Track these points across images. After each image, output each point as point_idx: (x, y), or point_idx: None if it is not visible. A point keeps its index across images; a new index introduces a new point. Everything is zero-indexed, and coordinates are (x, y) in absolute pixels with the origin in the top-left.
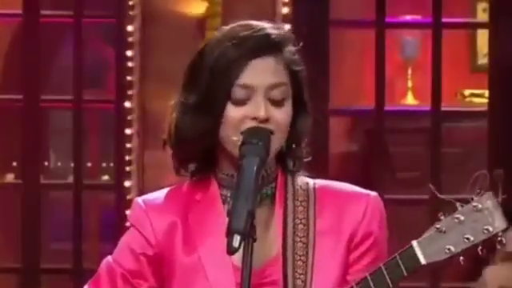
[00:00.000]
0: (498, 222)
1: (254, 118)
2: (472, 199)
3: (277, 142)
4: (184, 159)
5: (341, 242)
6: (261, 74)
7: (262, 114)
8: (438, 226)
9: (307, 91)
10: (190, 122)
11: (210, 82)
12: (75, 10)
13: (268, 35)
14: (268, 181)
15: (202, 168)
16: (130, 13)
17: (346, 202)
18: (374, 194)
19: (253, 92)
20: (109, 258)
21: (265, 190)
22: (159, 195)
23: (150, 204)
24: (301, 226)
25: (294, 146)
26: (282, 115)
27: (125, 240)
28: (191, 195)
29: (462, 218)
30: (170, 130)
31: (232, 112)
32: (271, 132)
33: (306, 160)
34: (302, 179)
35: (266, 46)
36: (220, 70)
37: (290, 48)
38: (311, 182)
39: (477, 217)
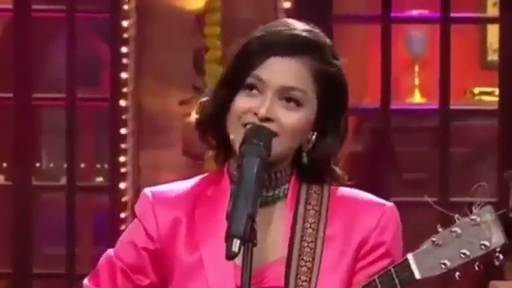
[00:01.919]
0: (496, 237)
1: (256, 114)
2: (470, 212)
3: (280, 146)
4: (204, 139)
5: (349, 248)
6: (277, 72)
7: (262, 111)
8: (434, 239)
9: (344, 109)
10: (209, 100)
11: (232, 67)
12: (68, 5)
13: (295, 36)
14: (280, 182)
15: (219, 156)
16: (125, 7)
17: (359, 210)
18: (390, 204)
19: (264, 87)
20: (110, 251)
21: (277, 191)
22: (170, 188)
23: (158, 196)
24: (310, 231)
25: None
26: (289, 120)
27: (127, 233)
28: (203, 190)
29: (459, 231)
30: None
31: (240, 101)
32: (275, 134)
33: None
34: (318, 185)
35: (290, 46)
36: (241, 58)
37: (325, 55)
38: (326, 186)
39: (474, 231)
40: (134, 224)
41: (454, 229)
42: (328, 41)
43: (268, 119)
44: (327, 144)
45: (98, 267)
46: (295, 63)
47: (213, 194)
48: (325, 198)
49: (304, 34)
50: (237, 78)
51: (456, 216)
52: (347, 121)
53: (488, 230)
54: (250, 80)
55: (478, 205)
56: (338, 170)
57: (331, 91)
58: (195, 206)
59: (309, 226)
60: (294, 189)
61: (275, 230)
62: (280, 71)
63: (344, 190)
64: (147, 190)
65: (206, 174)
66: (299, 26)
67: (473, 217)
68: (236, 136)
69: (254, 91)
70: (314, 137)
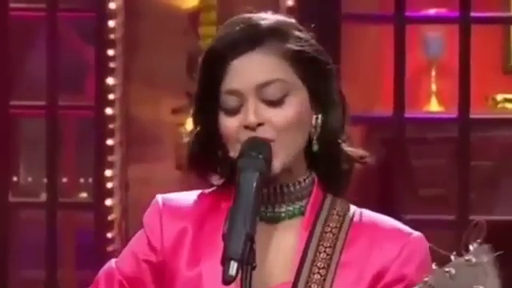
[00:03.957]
0: (492, 283)
1: (247, 127)
2: (466, 251)
3: (283, 150)
4: (204, 176)
5: (365, 277)
6: (245, 74)
7: (250, 120)
8: (426, 279)
9: (332, 80)
10: (193, 138)
11: (199, 91)
12: (49, 3)
13: (251, 28)
14: (296, 196)
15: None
16: (112, 6)
17: (381, 237)
18: (417, 234)
19: (241, 96)
20: (113, 261)
21: (291, 208)
22: (183, 197)
23: (168, 205)
24: (323, 256)
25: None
26: (279, 116)
27: (132, 242)
28: (217, 202)
29: (453, 271)
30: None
31: (226, 122)
32: (273, 140)
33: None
34: (343, 203)
35: (247, 40)
36: (204, 77)
37: (290, 35)
38: (352, 208)
39: (469, 272)
40: (139, 234)
41: (447, 269)
42: (289, 19)
43: (260, 124)
44: (331, 121)
45: (97, 277)
46: (261, 55)
47: (226, 207)
48: (346, 222)
49: (260, 21)
50: (209, 97)
51: (452, 254)
52: (342, 93)
53: (484, 273)
54: (223, 98)
55: (479, 243)
56: (350, 148)
57: (312, 66)
58: (206, 217)
59: (323, 249)
60: (315, 204)
61: (285, 250)
62: (248, 71)
63: (369, 215)
64: (159, 197)
65: (223, 185)
66: (256, 17)
67: (468, 257)
68: (236, 153)
69: (234, 104)
70: (319, 120)
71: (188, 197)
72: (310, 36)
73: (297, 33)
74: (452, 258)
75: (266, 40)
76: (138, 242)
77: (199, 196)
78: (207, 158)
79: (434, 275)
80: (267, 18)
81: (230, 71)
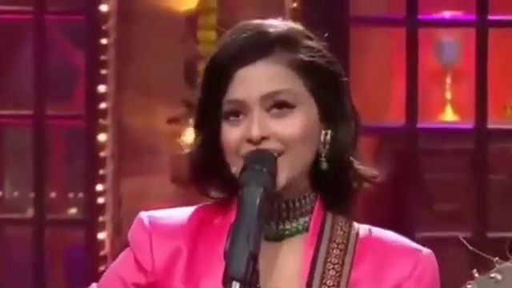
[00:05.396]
0: None
1: (250, 140)
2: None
3: (288, 165)
4: (205, 191)
5: None
6: (252, 83)
7: (254, 133)
8: (469, 286)
9: (344, 94)
10: (194, 150)
11: (202, 97)
12: (36, 5)
13: (259, 35)
14: (300, 213)
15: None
16: (104, 8)
17: (392, 254)
18: (427, 250)
19: (246, 107)
20: (94, 285)
21: (295, 224)
22: (170, 214)
23: (156, 223)
24: (332, 273)
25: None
26: (285, 129)
27: (117, 264)
28: (209, 218)
29: (499, 277)
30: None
31: (228, 134)
32: (279, 153)
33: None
34: (345, 220)
35: (255, 49)
36: (207, 85)
37: (300, 44)
38: (356, 224)
39: None
40: (125, 254)
41: (493, 274)
42: (300, 27)
43: (264, 138)
44: (342, 138)
45: None
46: (268, 65)
47: (220, 224)
48: (352, 237)
49: (269, 29)
50: (212, 107)
51: (496, 259)
52: (354, 107)
53: None
54: (227, 108)
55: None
56: (361, 167)
57: (322, 78)
58: (199, 235)
59: (331, 267)
60: (317, 220)
61: (290, 269)
62: (254, 81)
63: (375, 231)
64: (144, 216)
65: (213, 201)
66: (264, 24)
67: (493, 274)
68: (238, 168)
69: (237, 115)
70: (328, 136)
71: (175, 214)
72: (321, 46)
73: (307, 42)
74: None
75: (274, 49)
76: (124, 263)
77: (188, 213)
78: (208, 171)
79: (477, 281)
80: (276, 25)
81: (234, 81)
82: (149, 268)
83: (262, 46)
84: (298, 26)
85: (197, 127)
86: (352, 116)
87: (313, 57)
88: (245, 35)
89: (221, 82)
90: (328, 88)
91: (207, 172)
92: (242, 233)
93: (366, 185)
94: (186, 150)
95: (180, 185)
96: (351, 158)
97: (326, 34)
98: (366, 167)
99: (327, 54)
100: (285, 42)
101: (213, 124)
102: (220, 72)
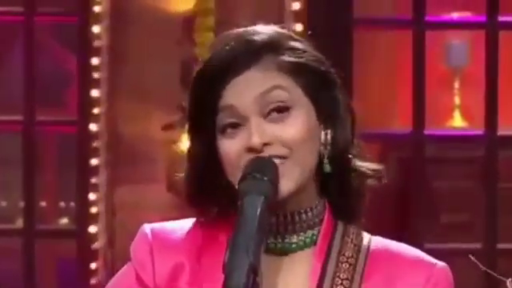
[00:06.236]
0: None
1: (251, 150)
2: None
3: (291, 171)
4: (204, 209)
5: None
6: (243, 92)
7: (254, 140)
8: None
9: (336, 91)
10: (187, 166)
11: (195, 110)
12: (26, 6)
13: (244, 45)
14: (308, 225)
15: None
16: (96, 9)
17: (404, 267)
18: (442, 264)
19: (243, 115)
20: None
21: (302, 237)
22: (174, 227)
23: (159, 237)
24: None
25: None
26: (288, 130)
27: (118, 279)
28: (214, 232)
29: None
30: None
31: (225, 146)
32: (283, 159)
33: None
34: (357, 231)
35: (241, 59)
36: (198, 97)
37: (285, 47)
38: (367, 236)
39: None
40: (126, 269)
41: None
42: (283, 30)
43: (266, 144)
44: (341, 136)
45: None
46: (257, 72)
47: (225, 240)
48: (363, 251)
49: (253, 37)
50: (205, 120)
51: (509, 280)
52: (350, 104)
53: None
54: (222, 122)
55: None
56: (362, 163)
57: (313, 77)
58: (203, 250)
59: (340, 282)
60: (327, 233)
61: (296, 286)
62: (247, 87)
63: (387, 243)
64: (147, 228)
65: (220, 214)
66: (253, 30)
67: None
68: (238, 179)
69: (233, 126)
70: (329, 136)
71: (180, 227)
72: (308, 46)
73: (292, 43)
74: (509, 284)
75: (261, 55)
76: (125, 279)
77: (193, 226)
78: (204, 187)
79: None
80: (260, 31)
81: (225, 93)
82: (151, 284)
83: (249, 55)
84: (283, 30)
85: (191, 143)
86: (348, 113)
87: (299, 57)
88: (228, 47)
89: (212, 96)
90: (320, 86)
91: (202, 188)
92: (241, 244)
93: (371, 181)
94: (183, 163)
95: (176, 193)
96: (352, 157)
97: (328, 37)
98: (368, 163)
99: (314, 53)
100: (271, 46)
101: (205, 139)
102: (209, 87)
